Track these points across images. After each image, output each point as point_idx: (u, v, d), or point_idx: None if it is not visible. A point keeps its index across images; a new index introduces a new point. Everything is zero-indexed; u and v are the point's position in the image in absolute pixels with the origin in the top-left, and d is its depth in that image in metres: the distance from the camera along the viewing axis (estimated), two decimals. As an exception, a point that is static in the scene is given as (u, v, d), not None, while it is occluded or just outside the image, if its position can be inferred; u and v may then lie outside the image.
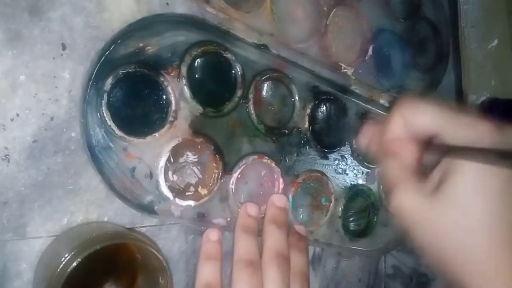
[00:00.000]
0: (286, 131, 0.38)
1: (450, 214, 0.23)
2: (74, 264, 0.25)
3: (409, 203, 0.24)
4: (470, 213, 0.22)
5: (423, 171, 0.25)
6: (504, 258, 0.22)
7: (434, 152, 0.24)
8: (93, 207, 0.30)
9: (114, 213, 0.31)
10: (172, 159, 0.32)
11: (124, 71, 0.29)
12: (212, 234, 0.32)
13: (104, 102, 0.29)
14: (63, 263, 0.25)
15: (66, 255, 0.25)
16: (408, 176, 0.25)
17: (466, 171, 0.22)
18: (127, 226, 0.32)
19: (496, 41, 0.53)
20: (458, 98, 0.53)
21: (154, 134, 0.31)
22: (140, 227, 0.32)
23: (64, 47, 0.29)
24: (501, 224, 0.22)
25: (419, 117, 0.25)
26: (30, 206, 0.28)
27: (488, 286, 0.22)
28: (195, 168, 0.33)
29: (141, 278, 0.31)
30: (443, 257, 0.24)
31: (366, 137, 0.29)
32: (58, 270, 0.25)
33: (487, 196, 0.22)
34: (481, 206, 0.22)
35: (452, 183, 0.22)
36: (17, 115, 0.27)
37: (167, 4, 0.32)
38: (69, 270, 0.24)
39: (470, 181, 0.22)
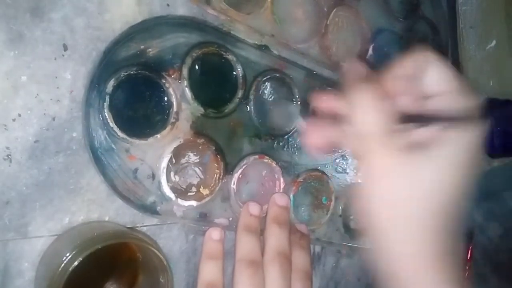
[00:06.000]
0: (287, 131, 0.38)
1: (427, 174, 0.24)
2: (76, 263, 0.25)
3: (385, 152, 0.24)
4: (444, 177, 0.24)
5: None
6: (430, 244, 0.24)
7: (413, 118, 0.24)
8: (94, 207, 0.30)
9: (115, 213, 0.31)
10: (174, 160, 0.32)
11: (125, 73, 0.29)
12: (214, 233, 0.32)
13: (106, 104, 0.29)
14: (65, 262, 0.25)
15: (68, 254, 0.25)
16: (389, 125, 0.23)
17: (453, 143, 0.23)
18: (128, 226, 0.32)
19: (494, 42, 0.53)
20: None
21: (156, 136, 0.31)
22: (141, 226, 0.32)
23: (65, 48, 0.29)
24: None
25: (434, 74, 0.24)
26: (32, 205, 0.28)
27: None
28: (196, 169, 0.33)
29: (142, 277, 0.31)
30: (388, 215, 0.25)
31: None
32: (60, 269, 0.25)
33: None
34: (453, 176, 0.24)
35: (436, 150, 0.23)
36: (19, 115, 0.27)
37: (168, 5, 0.32)
38: (70, 269, 0.25)
39: (453, 152, 0.23)
